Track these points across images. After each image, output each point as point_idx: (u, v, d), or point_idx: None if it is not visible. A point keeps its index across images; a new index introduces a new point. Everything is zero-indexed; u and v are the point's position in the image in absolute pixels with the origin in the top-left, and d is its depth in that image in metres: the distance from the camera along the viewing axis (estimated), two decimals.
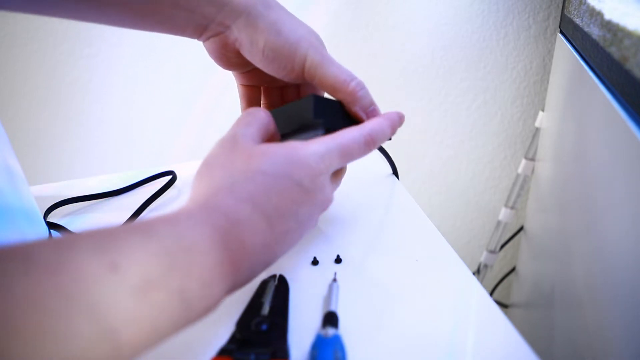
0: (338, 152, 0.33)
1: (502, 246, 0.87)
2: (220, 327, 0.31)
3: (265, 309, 0.32)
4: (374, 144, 0.35)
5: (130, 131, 0.93)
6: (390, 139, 0.38)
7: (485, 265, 0.89)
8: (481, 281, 0.90)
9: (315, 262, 0.38)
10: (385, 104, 0.88)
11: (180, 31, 0.39)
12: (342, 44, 0.85)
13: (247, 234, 0.27)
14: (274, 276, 0.36)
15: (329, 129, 0.36)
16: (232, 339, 0.29)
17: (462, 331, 0.31)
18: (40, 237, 0.21)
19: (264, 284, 0.34)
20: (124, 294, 0.20)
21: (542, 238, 0.69)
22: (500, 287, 0.94)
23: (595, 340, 0.40)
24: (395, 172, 0.53)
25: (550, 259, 0.61)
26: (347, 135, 0.34)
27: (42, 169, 0.94)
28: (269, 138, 0.35)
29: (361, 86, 0.38)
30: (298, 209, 0.30)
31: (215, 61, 0.42)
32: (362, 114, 0.38)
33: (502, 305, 0.95)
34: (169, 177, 0.53)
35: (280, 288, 0.34)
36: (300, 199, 0.30)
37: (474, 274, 0.61)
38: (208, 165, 0.31)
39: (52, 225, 0.45)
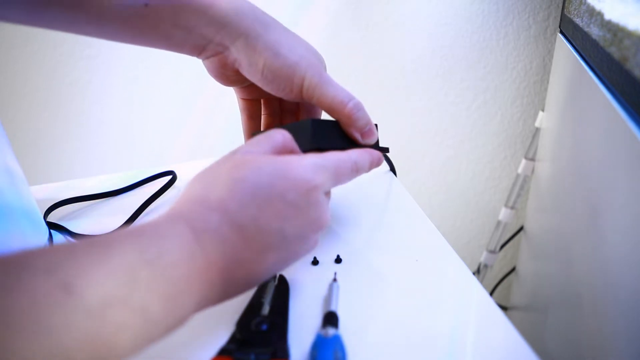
0: (333, 170, 0.31)
1: (502, 246, 0.87)
2: (220, 327, 0.31)
3: (265, 309, 0.32)
4: (358, 172, 0.35)
5: (130, 131, 0.93)
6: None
7: (485, 265, 0.89)
8: (481, 281, 0.90)
9: (315, 262, 0.38)
10: (385, 104, 0.89)
11: (178, 49, 0.39)
12: (342, 44, 0.85)
13: (214, 246, 0.26)
14: (274, 276, 0.36)
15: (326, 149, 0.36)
16: (232, 339, 0.29)
17: (462, 331, 0.31)
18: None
19: (264, 284, 0.34)
20: (79, 315, 0.20)
21: (542, 238, 0.69)
22: (500, 287, 0.94)
23: (595, 339, 0.40)
24: (392, 169, 0.53)
25: (550, 259, 0.61)
26: (341, 156, 0.33)
27: (42, 169, 0.94)
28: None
29: (358, 107, 0.39)
30: (283, 225, 0.28)
31: (214, 79, 0.42)
32: (357, 136, 0.39)
33: (502, 307, 0.94)
34: (169, 177, 0.53)
35: (280, 288, 0.34)
36: (287, 214, 0.28)
37: (474, 274, 0.61)
38: (196, 177, 0.30)
39: (52, 225, 0.45)
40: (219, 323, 0.32)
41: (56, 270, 0.20)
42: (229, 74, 0.41)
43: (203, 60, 0.41)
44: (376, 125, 0.42)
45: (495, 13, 0.82)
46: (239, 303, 0.33)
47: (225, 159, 0.30)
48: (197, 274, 0.25)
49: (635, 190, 0.33)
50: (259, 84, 0.39)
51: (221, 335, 0.30)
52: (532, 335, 0.64)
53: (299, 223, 0.28)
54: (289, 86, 0.38)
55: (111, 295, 0.21)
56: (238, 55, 0.38)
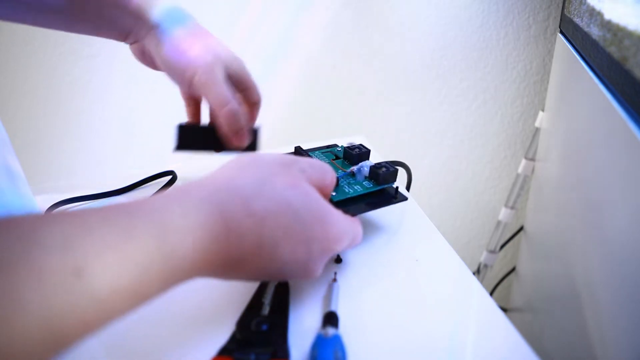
0: (352, 236, 0.32)
1: (502, 246, 0.87)
2: (220, 327, 0.31)
3: (265, 309, 0.32)
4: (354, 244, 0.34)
5: (130, 131, 0.93)
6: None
7: (485, 265, 0.89)
8: (481, 281, 0.90)
9: None
10: (385, 104, 0.89)
11: (107, 36, 0.45)
12: (342, 44, 0.85)
13: (234, 250, 0.26)
14: None
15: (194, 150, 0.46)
16: (232, 339, 0.29)
17: (462, 331, 0.31)
18: (8, 220, 0.19)
19: (264, 284, 0.34)
20: (84, 302, 0.19)
21: (542, 238, 0.69)
22: (500, 287, 0.94)
23: (595, 340, 0.40)
24: (408, 186, 0.52)
25: (550, 259, 0.61)
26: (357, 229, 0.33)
27: (42, 169, 0.94)
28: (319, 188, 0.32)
29: (233, 112, 0.43)
30: (292, 259, 0.28)
31: (140, 63, 0.48)
32: (230, 137, 0.44)
33: (502, 309, 0.94)
34: (169, 177, 0.53)
35: (280, 288, 0.34)
36: (303, 252, 0.28)
37: (474, 274, 0.61)
38: (244, 166, 0.29)
39: None
40: (219, 323, 0.32)
41: (70, 250, 0.19)
42: (148, 60, 0.47)
43: (129, 46, 0.47)
44: (256, 130, 0.47)
45: (495, 13, 0.82)
46: (239, 303, 0.33)
47: (283, 168, 0.30)
48: (203, 269, 0.25)
49: (635, 190, 0.33)
50: (164, 73, 0.45)
51: (221, 335, 0.30)
52: (532, 335, 0.64)
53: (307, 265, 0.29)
54: (182, 80, 0.43)
55: (122, 286, 0.20)
56: (149, 45, 0.44)
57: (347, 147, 0.44)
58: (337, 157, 0.45)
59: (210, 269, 0.25)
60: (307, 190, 0.29)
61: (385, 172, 0.40)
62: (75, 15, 0.42)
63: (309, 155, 0.44)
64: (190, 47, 0.42)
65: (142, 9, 0.42)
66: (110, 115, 0.91)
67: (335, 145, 0.48)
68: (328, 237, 0.29)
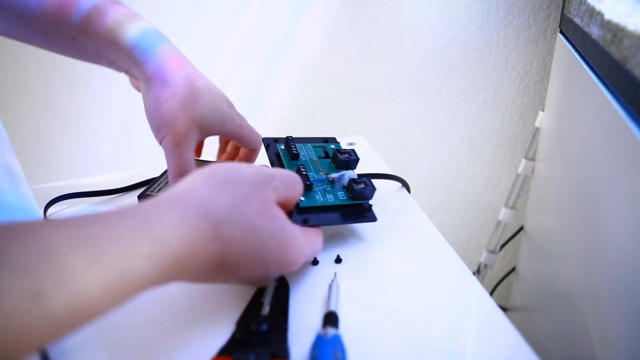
0: (310, 254, 0.36)
1: (502, 246, 0.87)
2: (220, 327, 0.31)
3: (265, 309, 0.32)
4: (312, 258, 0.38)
5: (130, 131, 0.92)
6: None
7: (485, 265, 0.89)
8: (481, 281, 0.90)
9: (315, 262, 0.38)
10: (385, 104, 0.89)
11: (105, 66, 0.45)
12: (342, 44, 0.85)
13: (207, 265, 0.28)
14: None
15: None
16: (232, 339, 0.29)
17: (462, 331, 0.31)
18: None
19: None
20: (42, 324, 0.19)
21: (542, 238, 0.69)
22: (500, 287, 0.94)
23: (595, 339, 0.40)
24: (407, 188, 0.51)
25: (550, 259, 0.61)
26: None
27: (42, 169, 0.94)
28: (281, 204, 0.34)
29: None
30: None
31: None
32: None
33: (501, 308, 0.94)
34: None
35: (280, 288, 0.34)
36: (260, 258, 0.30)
37: (474, 274, 0.61)
38: (232, 180, 0.30)
39: None
40: (219, 323, 0.32)
41: (29, 270, 0.19)
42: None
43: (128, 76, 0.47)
44: None
45: (495, 13, 0.82)
46: (239, 303, 0.33)
47: (257, 190, 0.31)
48: (159, 283, 0.25)
49: (635, 190, 0.33)
50: None
51: (221, 335, 0.30)
52: (532, 335, 0.64)
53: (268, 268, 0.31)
54: (156, 136, 0.42)
55: (81, 308, 0.20)
56: (141, 88, 0.43)
57: (338, 150, 0.43)
58: (326, 156, 0.44)
59: (166, 282, 0.26)
60: (274, 215, 0.31)
61: (362, 189, 0.39)
62: (78, 53, 0.44)
63: (296, 148, 0.43)
64: (168, 107, 0.41)
65: (137, 58, 0.41)
66: (110, 115, 0.91)
67: (334, 140, 0.46)
68: (287, 260, 0.32)
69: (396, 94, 0.89)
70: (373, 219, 0.40)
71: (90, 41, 0.42)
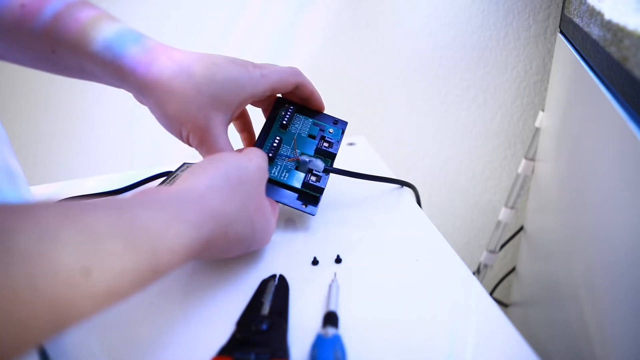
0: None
1: (502, 246, 0.87)
2: (220, 327, 0.31)
3: (265, 309, 0.32)
4: None
5: (130, 131, 0.92)
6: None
7: (485, 265, 0.89)
8: (481, 281, 0.90)
9: (315, 262, 0.38)
10: (385, 104, 0.89)
11: (95, 81, 0.41)
12: (342, 44, 0.85)
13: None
14: (274, 276, 0.36)
15: None
16: (232, 339, 0.29)
17: (462, 331, 0.31)
18: (30, 211, 0.21)
19: (264, 284, 0.35)
20: (87, 300, 0.21)
21: (542, 238, 0.69)
22: (500, 287, 0.94)
23: (595, 339, 0.40)
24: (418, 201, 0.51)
25: (550, 259, 0.61)
26: None
27: (42, 169, 0.94)
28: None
29: None
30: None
31: None
32: None
33: (502, 304, 0.95)
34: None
35: (280, 288, 0.34)
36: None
37: (474, 274, 0.61)
38: (242, 181, 0.34)
39: None
40: (219, 323, 0.32)
41: (82, 249, 0.21)
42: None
43: None
44: None
45: (495, 13, 0.82)
46: (239, 303, 0.33)
47: (259, 187, 0.35)
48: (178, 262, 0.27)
49: (635, 190, 0.33)
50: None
51: (221, 335, 0.30)
52: (532, 335, 0.64)
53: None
54: (182, 139, 0.40)
55: (117, 290, 0.22)
56: (140, 99, 0.40)
57: (323, 137, 0.44)
58: (322, 138, 0.44)
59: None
60: (265, 212, 0.36)
61: (312, 182, 0.41)
62: (61, 68, 0.41)
63: (289, 120, 0.44)
64: (173, 110, 0.37)
65: (123, 75, 0.37)
66: (110, 116, 0.91)
67: (345, 123, 0.46)
68: (263, 242, 0.37)
69: (396, 94, 0.89)
70: (311, 212, 0.42)
71: (71, 55, 0.37)
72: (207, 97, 0.36)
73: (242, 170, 0.34)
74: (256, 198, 0.34)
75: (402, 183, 0.49)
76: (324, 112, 0.46)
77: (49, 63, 0.39)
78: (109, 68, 0.37)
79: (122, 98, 0.90)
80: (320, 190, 0.42)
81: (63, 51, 0.37)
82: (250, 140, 0.47)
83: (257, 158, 0.37)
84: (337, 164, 0.46)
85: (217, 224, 0.30)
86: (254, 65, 0.39)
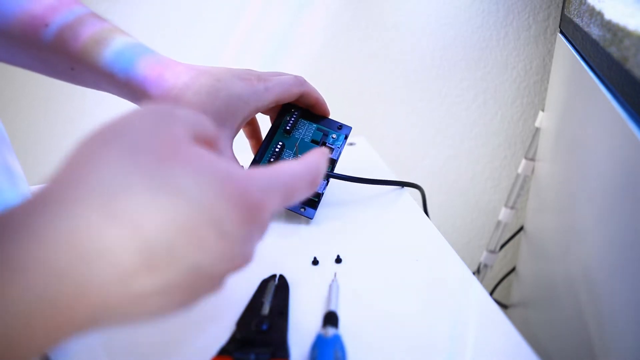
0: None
1: (502, 246, 0.87)
2: (220, 327, 0.31)
3: (265, 309, 0.32)
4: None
5: None
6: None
7: (485, 265, 0.89)
8: (481, 281, 0.89)
9: (315, 262, 0.38)
10: (385, 104, 0.89)
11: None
12: (341, 44, 0.85)
13: None
14: (274, 276, 0.36)
15: None
16: (232, 339, 0.29)
17: (462, 331, 0.31)
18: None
19: (264, 284, 0.35)
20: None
21: (542, 238, 0.69)
22: (500, 287, 0.94)
23: (595, 339, 0.40)
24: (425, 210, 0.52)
25: (550, 259, 0.61)
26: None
27: (42, 169, 0.94)
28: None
29: None
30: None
31: None
32: None
33: (502, 305, 0.95)
34: None
35: (280, 288, 0.34)
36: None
37: (474, 274, 0.61)
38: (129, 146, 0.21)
39: None
40: (219, 323, 0.32)
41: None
42: None
43: None
44: None
45: (495, 13, 0.82)
46: (239, 303, 0.33)
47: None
48: None
49: (634, 190, 0.33)
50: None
51: (221, 335, 0.30)
52: (532, 335, 0.64)
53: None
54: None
55: None
56: None
57: (325, 142, 0.45)
58: (323, 144, 0.45)
59: None
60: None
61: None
62: (80, 82, 0.43)
63: (292, 125, 0.44)
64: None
65: (139, 97, 0.39)
66: (111, 116, 0.91)
67: (349, 129, 0.47)
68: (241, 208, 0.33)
69: (396, 94, 0.89)
70: (309, 215, 0.43)
71: (88, 73, 0.39)
72: (211, 113, 0.36)
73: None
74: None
75: (409, 185, 0.49)
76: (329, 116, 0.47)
77: (73, 80, 0.42)
78: (124, 89, 0.39)
79: (122, 99, 0.90)
80: (319, 195, 0.43)
81: (81, 69, 0.38)
82: (259, 147, 0.48)
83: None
84: (338, 163, 0.46)
85: None
86: (259, 79, 0.39)
